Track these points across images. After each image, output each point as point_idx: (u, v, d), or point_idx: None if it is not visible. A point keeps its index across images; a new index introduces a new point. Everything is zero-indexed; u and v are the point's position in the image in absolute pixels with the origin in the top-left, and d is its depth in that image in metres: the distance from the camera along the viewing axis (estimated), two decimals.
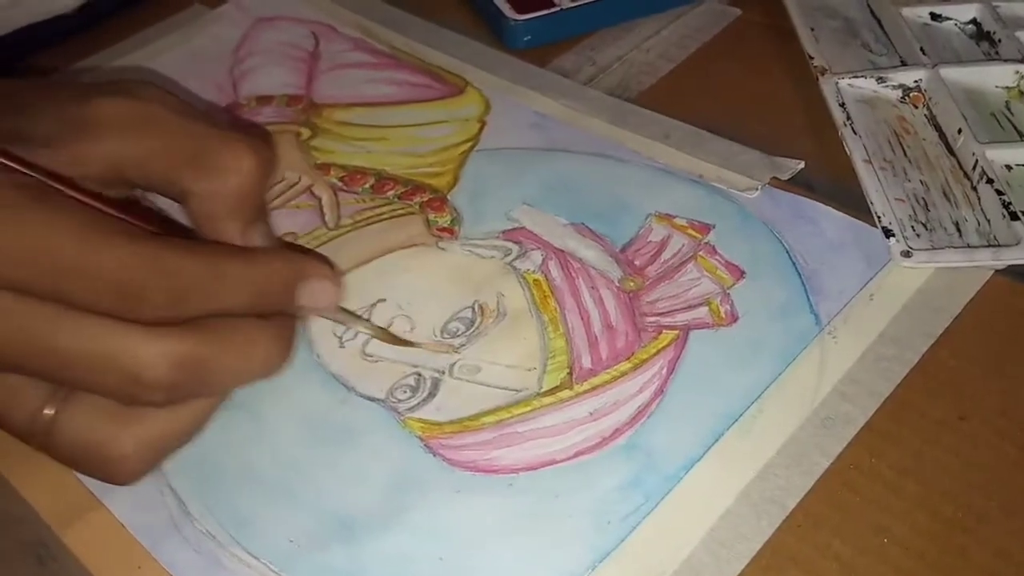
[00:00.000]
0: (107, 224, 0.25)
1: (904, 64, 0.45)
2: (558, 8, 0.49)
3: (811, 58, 0.45)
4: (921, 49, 0.44)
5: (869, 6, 0.49)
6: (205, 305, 0.26)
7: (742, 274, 0.36)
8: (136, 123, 0.27)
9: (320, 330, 0.36)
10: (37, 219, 0.24)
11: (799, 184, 0.40)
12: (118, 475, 0.27)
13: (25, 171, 0.25)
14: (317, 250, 0.39)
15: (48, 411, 0.26)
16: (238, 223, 0.28)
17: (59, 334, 0.25)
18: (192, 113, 0.28)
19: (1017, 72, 0.43)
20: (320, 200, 0.42)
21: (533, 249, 0.38)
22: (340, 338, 0.36)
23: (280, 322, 0.28)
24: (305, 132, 0.45)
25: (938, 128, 0.42)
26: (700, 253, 0.37)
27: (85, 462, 0.27)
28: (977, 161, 0.39)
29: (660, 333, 0.35)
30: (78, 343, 0.25)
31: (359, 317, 0.35)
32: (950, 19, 0.47)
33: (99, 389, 0.26)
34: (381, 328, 0.35)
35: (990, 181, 0.38)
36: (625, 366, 0.34)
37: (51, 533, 0.31)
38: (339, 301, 0.31)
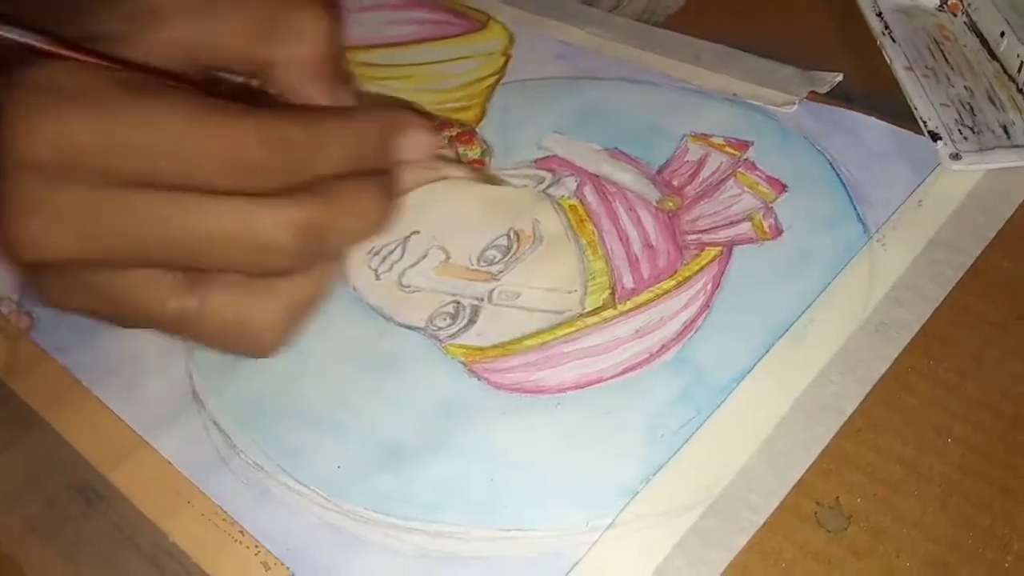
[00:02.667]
0: (210, 104, 0.25)
1: None
2: None
3: None
4: None
5: None
6: (315, 168, 0.26)
7: (784, 188, 0.35)
8: (200, 3, 0.27)
9: (355, 264, 0.35)
10: (143, 110, 0.24)
11: (838, 97, 0.39)
12: (266, 344, 0.28)
13: (110, 65, 0.25)
14: None
15: (192, 301, 0.27)
16: (325, 85, 0.28)
17: (187, 217, 0.25)
18: None
19: None
20: None
21: (567, 176, 0.38)
22: (375, 271, 0.35)
23: (383, 179, 0.28)
24: None
25: (979, 34, 0.40)
26: (739, 169, 0.36)
27: (235, 339, 0.27)
28: (1023, 63, 0.37)
29: (703, 250, 0.34)
30: (206, 224, 0.25)
31: (456, 161, 0.35)
32: None
33: (231, 265, 0.26)
34: (478, 170, 0.35)
35: None
36: (668, 283, 0.33)
37: (98, 475, 0.31)
38: (435, 149, 0.30)
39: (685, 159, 0.37)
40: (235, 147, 0.24)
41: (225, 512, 0.29)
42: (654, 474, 0.28)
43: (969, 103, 0.37)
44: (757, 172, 0.36)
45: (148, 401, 0.32)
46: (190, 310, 0.27)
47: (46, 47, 0.24)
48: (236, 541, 0.28)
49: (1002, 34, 0.39)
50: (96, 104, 0.24)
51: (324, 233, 0.26)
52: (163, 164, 0.24)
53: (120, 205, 0.24)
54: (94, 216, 0.24)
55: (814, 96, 0.39)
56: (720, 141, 0.38)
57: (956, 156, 0.34)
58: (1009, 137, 0.36)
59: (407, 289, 0.34)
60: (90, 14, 0.27)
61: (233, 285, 0.27)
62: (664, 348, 0.31)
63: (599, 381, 0.31)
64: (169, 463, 0.31)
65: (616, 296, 0.33)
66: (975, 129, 0.36)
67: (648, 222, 0.35)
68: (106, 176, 0.24)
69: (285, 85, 0.28)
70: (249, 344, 0.28)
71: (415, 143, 0.29)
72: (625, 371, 0.31)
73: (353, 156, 0.27)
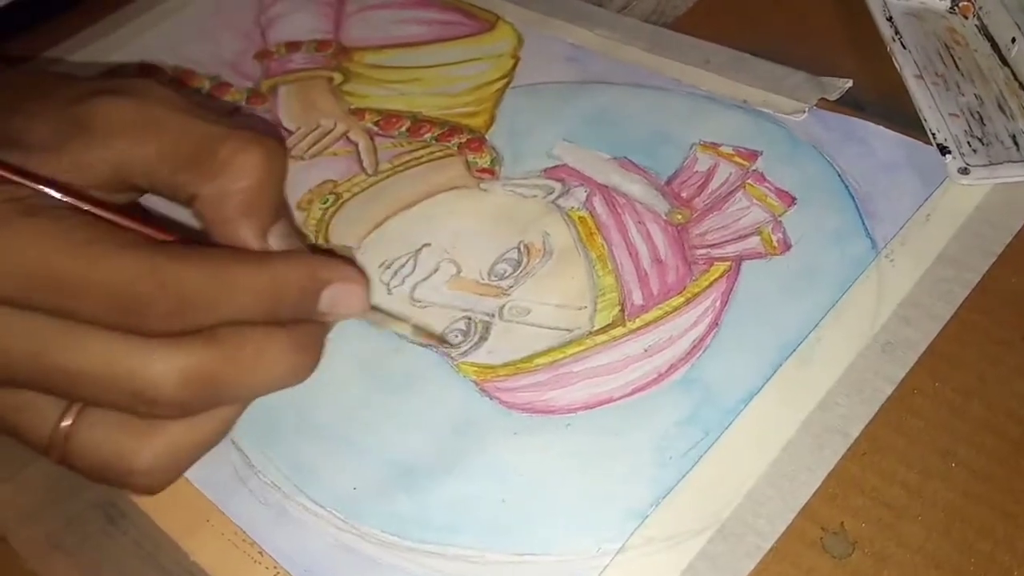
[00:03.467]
0: (106, 235, 0.24)
1: None
2: None
3: None
4: None
5: None
6: (214, 315, 0.24)
7: (793, 200, 0.36)
8: (139, 125, 0.26)
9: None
10: (30, 233, 0.23)
11: (847, 104, 0.39)
12: (140, 487, 0.26)
13: (19, 180, 0.24)
14: (359, 196, 0.39)
15: (65, 424, 0.25)
16: (252, 225, 0.26)
17: (63, 351, 0.24)
18: (196, 111, 0.27)
19: None
20: (357, 146, 0.41)
21: (576, 186, 0.38)
22: (387, 285, 0.36)
23: (302, 330, 0.26)
24: (337, 77, 0.45)
25: (990, 38, 0.40)
26: (748, 181, 0.37)
27: (105, 474, 0.26)
28: None
29: (711, 265, 0.34)
30: (83, 361, 0.24)
31: (396, 317, 0.33)
32: None
33: (112, 405, 0.25)
34: (420, 327, 0.33)
35: None
36: (677, 300, 0.33)
37: (119, 492, 0.32)
38: (365, 308, 0.28)
39: (694, 169, 0.37)
40: (122, 283, 0.23)
41: (244, 532, 0.30)
42: (663, 497, 0.29)
43: (979, 112, 0.37)
44: (766, 184, 0.36)
45: None
46: (58, 436, 0.25)
47: None
48: (255, 562, 0.29)
49: (1013, 40, 0.39)
50: None
51: (217, 385, 0.25)
52: (42, 291, 0.23)
53: None
54: None
55: (824, 103, 0.39)
56: (729, 151, 0.38)
57: (964, 171, 0.35)
58: (1019, 149, 0.36)
59: (419, 304, 0.35)
60: (28, 113, 0.26)
61: (113, 419, 0.25)
62: (673, 368, 0.32)
63: (609, 401, 0.31)
64: (189, 481, 0.31)
65: (625, 313, 0.33)
66: (984, 140, 0.36)
67: (657, 236, 0.35)
68: None
69: (210, 220, 0.27)
70: (120, 482, 0.26)
71: (344, 298, 0.27)
72: (634, 391, 0.31)
73: (265, 307, 0.25)
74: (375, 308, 0.30)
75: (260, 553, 0.29)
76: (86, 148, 0.26)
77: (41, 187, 0.24)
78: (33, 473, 0.33)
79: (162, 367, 0.24)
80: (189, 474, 0.31)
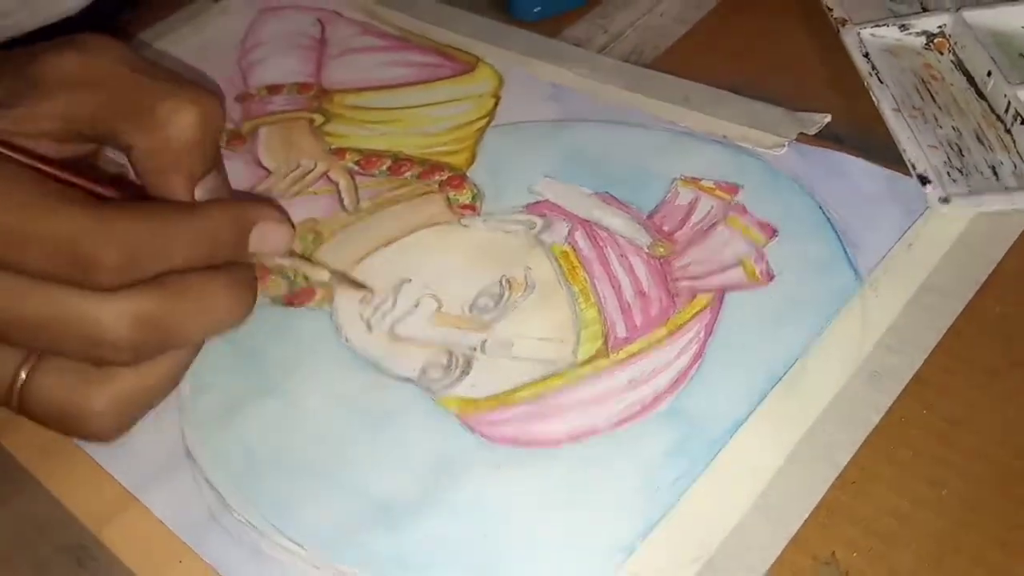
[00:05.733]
0: (51, 191, 0.25)
1: (925, 10, 0.43)
2: None
3: (830, 10, 0.44)
4: None
5: None
6: (158, 264, 0.26)
7: (775, 232, 0.36)
8: (82, 78, 0.27)
9: (348, 315, 0.35)
10: None
11: (827, 138, 0.39)
12: (94, 433, 0.27)
13: None
14: (339, 234, 0.38)
15: (22, 373, 0.27)
16: (182, 177, 0.28)
17: (17, 302, 0.25)
18: (140, 67, 0.28)
19: None
20: (338, 185, 0.41)
21: (558, 221, 0.38)
22: (367, 322, 0.35)
23: (236, 271, 0.28)
24: (318, 118, 0.45)
25: (966, 72, 0.41)
26: (730, 214, 0.36)
27: (61, 421, 0.27)
28: (1010, 103, 0.38)
29: (695, 297, 0.34)
30: (37, 310, 0.25)
31: (312, 261, 0.35)
32: None
33: (65, 353, 0.26)
34: (337, 272, 0.35)
35: None
36: (661, 332, 0.33)
37: (89, 534, 0.31)
38: (289, 244, 0.30)
39: (675, 203, 0.37)
40: (66, 236, 0.24)
41: (218, 572, 0.29)
42: (650, 530, 0.28)
43: (957, 144, 0.37)
44: (748, 216, 0.36)
45: (139, 458, 0.32)
46: (16, 385, 0.27)
47: None
48: None
49: (989, 73, 0.39)
50: None
51: (164, 326, 0.26)
52: None
53: None
54: None
55: (803, 138, 0.39)
56: (710, 184, 0.38)
57: (945, 200, 0.35)
58: (998, 179, 0.36)
59: (400, 340, 0.34)
60: None
61: (67, 367, 0.27)
62: (658, 399, 0.31)
63: (593, 433, 0.31)
64: (161, 521, 0.30)
65: (609, 345, 0.33)
66: (964, 171, 0.36)
67: (640, 268, 0.35)
68: None
69: (144, 172, 0.28)
70: (76, 429, 0.27)
71: (270, 236, 0.29)
72: (619, 423, 0.31)
73: (202, 251, 0.27)
74: (293, 253, 0.32)
75: None
76: (36, 102, 0.27)
77: None
78: (1, 517, 0.31)
79: (113, 311, 0.25)
80: (161, 514, 0.30)
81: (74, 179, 0.27)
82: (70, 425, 0.27)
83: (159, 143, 0.27)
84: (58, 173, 0.26)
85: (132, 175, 0.29)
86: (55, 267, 0.24)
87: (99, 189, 0.27)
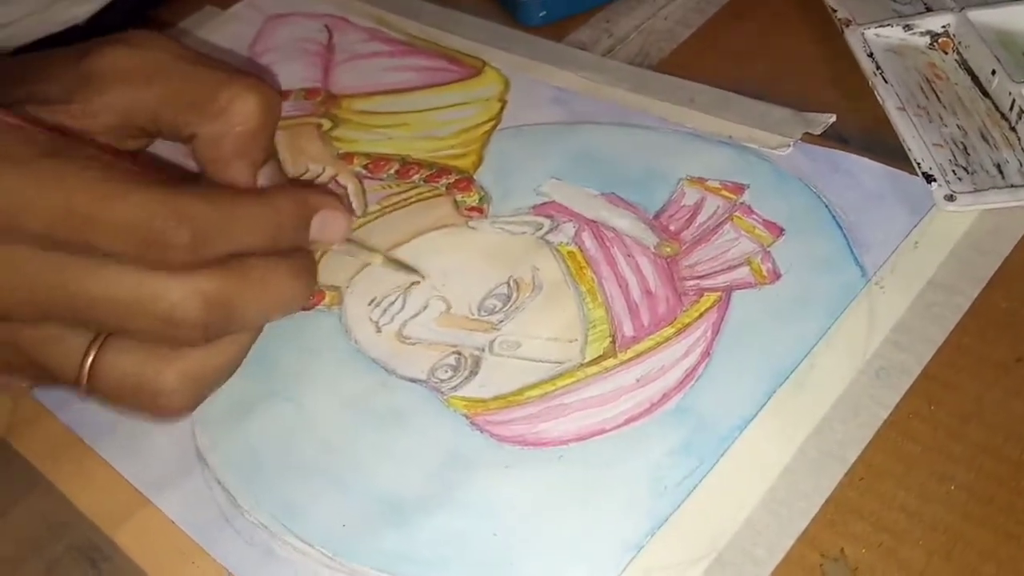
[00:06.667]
0: (122, 174, 0.25)
1: (929, 10, 0.43)
2: None
3: (834, 11, 0.44)
4: None
5: None
6: (224, 247, 0.26)
7: (781, 231, 0.36)
8: (140, 71, 0.28)
9: (356, 317, 0.36)
10: (51, 172, 0.24)
11: (832, 138, 0.39)
12: (166, 410, 0.28)
13: (35, 127, 0.26)
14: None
15: (92, 353, 0.27)
16: (246, 165, 0.29)
17: (89, 283, 0.25)
18: (195, 58, 0.29)
19: None
20: (346, 189, 0.41)
21: (565, 222, 0.38)
22: (376, 323, 0.35)
23: (298, 257, 0.29)
24: (326, 123, 0.45)
25: (970, 72, 0.41)
26: (736, 213, 0.37)
27: (133, 401, 0.27)
28: (1014, 101, 0.38)
29: (702, 296, 0.34)
30: (109, 290, 0.25)
31: (371, 248, 0.36)
32: None
33: (136, 333, 0.26)
34: (390, 257, 0.36)
35: None
36: (668, 331, 0.33)
37: (102, 535, 0.31)
38: (348, 232, 0.31)
39: (682, 203, 0.38)
40: (141, 218, 0.25)
41: (230, 573, 0.29)
42: (658, 528, 0.28)
43: (962, 142, 0.38)
44: (754, 216, 0.36)
45: (151, 459, 0.32)
46: (85, 367, 0.27)
47: None
48: None
49: (993, 72, 0.39)
50: (2, 162, 0.24)
51: (233, 308, 0.26)
52: (65, 227, 0.24)
53: (20, 263, 0.25)
54: None
55: (808, 137, 0.39)
56: (716, 184, 0.38)
57: (951, 198, 0.35)
58: (1003, 176, 0.36)
59: (408, 341, 0.34)
60: (40, 75, 0.28)
61: (137, 347, 0.27)
62: (665, 397, 0.31)
63: (601, 432, 0.31)
64: (173, 523, 0.31)
65: (616, 344, 0.33)
66: (969, 169, 0.36)
67: (647, 268, 0.35)
68: (8, 234, 0.24)
69: (207, 160, 0.29)
70: (148, 408, 0.28)
71: (331, 224, 0.30)
72: (627, 421, 0.31)
73: (267, 236, 0.27)
74: (348, 239, 0.32)
75: None
76: (93, 96, 0.27)
77: (54, 132, 0.26)
78: (13, 519, 0.32)
79: (184, 290, 0.25)
80: (173, 515, 0.31)
81: (141, 166, 0.27)
82: (142, 402, 0.28)
83: (222, 130, 0.28)
84: (128, 162, 0.26)
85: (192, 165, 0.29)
86: (127, 247, 0.25)
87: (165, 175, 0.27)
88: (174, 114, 0.28)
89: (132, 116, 0.28)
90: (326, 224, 0.30)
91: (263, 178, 0.29)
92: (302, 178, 0.42)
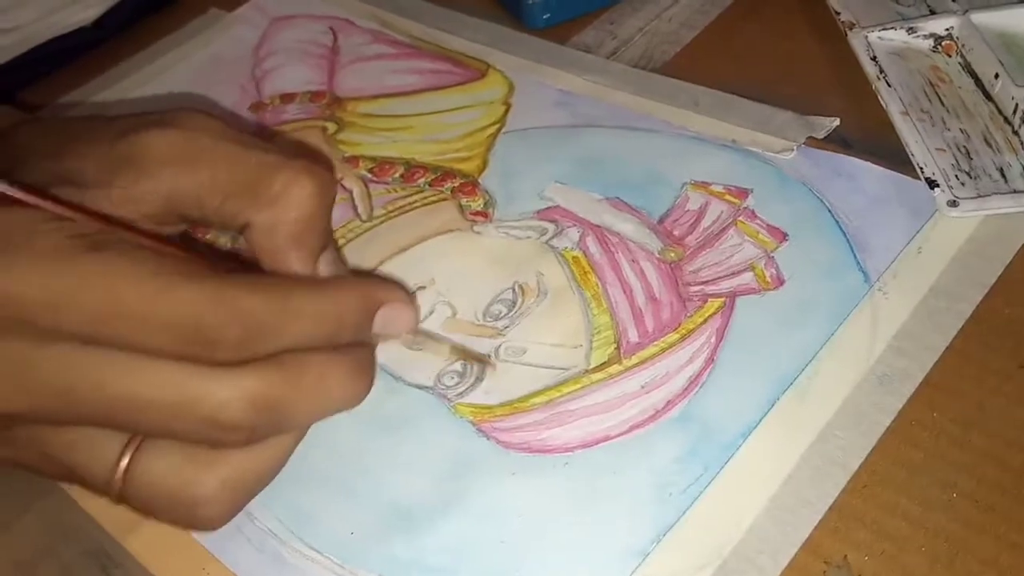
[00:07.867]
0: (169, 267, 0.23)
1: (933, 13, 0.44)
2: None
3: (838, 13, 0.44)
4: None
5: None
6: (278, 343, 0.24)
7: (785, 236, 0.36)
8: (187, 156, 0.26)
9: None
10: (95, 269, 0.23)
11: (835, 142, 0.39)
12: (205, 520, 0.25)
13: (77, 217, 0.24)
14: (353, 242, 0.39)
15: (125, 459, 0.25)
16: (303, 253, 0.27)
17: (131, 382, 0.23)
18: (244, 140, 0.27)
19: None
20: (351, 193, 0.42)
21: (569, 227, 0.38)
22: None
23: (356, 352, 0.26)
24: (331, 127, 0.45)
25: (973, 75, 0.41)
26: (740, 218, 0.37)
27: (169, 509, 0.25)
28: (1017, 105, 0.38)
29: (706, 302, 0.34)
30: (151, 390, 0.23)
31: (438, 339, 0.34)
32: None
33: (177, 435, 0.24)
34: (458, 347, 0.34)
35: None
36: (673, 337, 0.33)
37: (113, 541, 0.31)
38: (415, 326, 0.29)
39: (686, 208, 0.38)
40: (189, 314, 0.23)
41: None
42: (663, 535, 0.28)
43: (965, 146, 0.38)
44: (758, 221, 0.37)
45: None
46: (118, 473, 0.25)
47: (4, 191, 0.23)
48: None
49: (996, 76, 0.39)
50: (47, 257, 0.23)
51: (283, 410, 0.24)
52: (110, 325, 0.23)
53: (58, 363, 0.23)
54: (28, 371, 0.23)
55: (812, 142, 0.39)
56: (720, 189, 0.38)
57: (953, 203, 0.35)
58: (1006, 181, 0.36)
59: (414, 347, 0.35)
60: (77, 152, 0.26)
61: (174, 451, 0.25)
62: (670, 404, 0.31)
63: (606, 439, 0.31)
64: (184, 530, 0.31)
65: (621, 351, 0.33)
66: (972, 174, 0.36)
67: (651, 273, 0.36)
68: (48, 332, 0.23)
69: (260, 249, 0.27)
70: (185, 517, 0.25)
71: (397, 318, 0.28)
72: (632, 428, 0.31)
73: (326, 332, 0.25)
74: (415, 331, 0.30)
75: None
76: (135, 181, 0.25)
77: (99, 223, 0.24)
78: (26, 524, 0.32)
79: (230, 391, 0.23)
80: None
81: (185, 254, 0.25)
82: (179, 513, 0.25)
83: (278, 218, 0.26)
84: (169, 249, 0.25)
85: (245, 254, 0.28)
86: (175, 343, 0.23)
87: (215, 263, 0.25)
88: (223, 202, 0.26)
89: (176, 203, 0.26)
90: (391, 319, 0.27)
91: (324, 267, 0.27)
92: None
